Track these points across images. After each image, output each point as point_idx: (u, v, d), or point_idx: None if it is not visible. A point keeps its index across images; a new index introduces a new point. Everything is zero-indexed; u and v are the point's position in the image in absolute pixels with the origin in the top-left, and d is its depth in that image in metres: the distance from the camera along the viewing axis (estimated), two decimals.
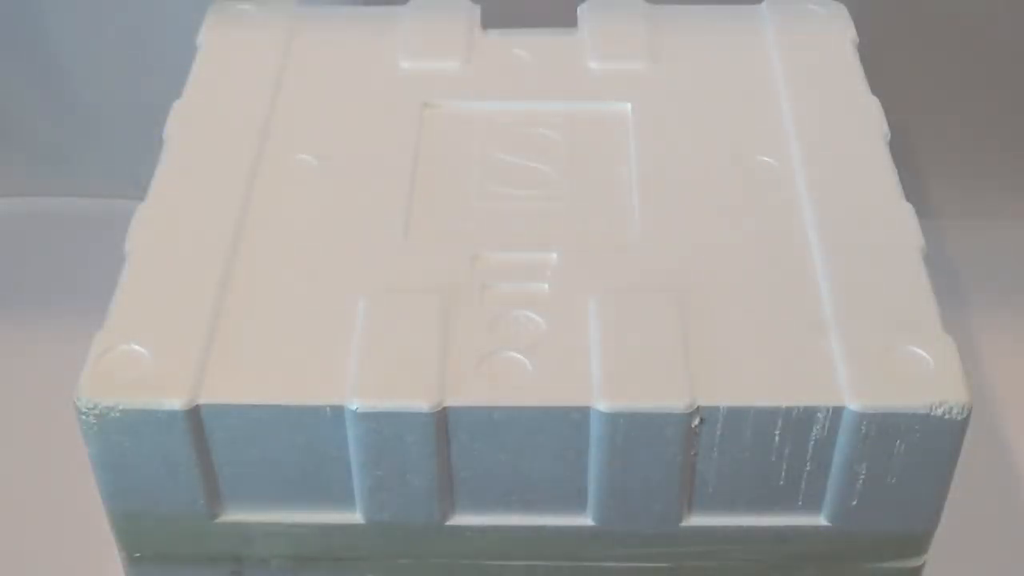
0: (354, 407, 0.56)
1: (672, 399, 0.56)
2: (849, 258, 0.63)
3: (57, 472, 0.84)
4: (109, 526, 0.61)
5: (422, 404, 0.56)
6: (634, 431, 0.56)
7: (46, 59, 0.99)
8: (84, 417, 0.56)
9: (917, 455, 0.57)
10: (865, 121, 0.71)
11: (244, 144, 0.70)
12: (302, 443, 0.58)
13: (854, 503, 0.59)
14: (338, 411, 0.56)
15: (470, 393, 0.57)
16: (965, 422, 0.56)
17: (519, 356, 0.58)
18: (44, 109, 1.02)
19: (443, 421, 0.56)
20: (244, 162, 0.68)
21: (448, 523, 0.61)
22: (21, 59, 1.00)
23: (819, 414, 0.56)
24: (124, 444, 0.57)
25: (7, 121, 1.03)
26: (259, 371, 0.57)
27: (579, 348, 0.58)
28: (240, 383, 0.57)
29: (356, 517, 0.61)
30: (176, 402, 0.56)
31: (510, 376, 0.57)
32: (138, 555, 0.62)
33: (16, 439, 0.86)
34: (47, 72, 1.00)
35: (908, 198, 0.67)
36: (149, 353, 0.58)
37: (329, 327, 0.60)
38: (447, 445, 0.57)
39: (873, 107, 0.72)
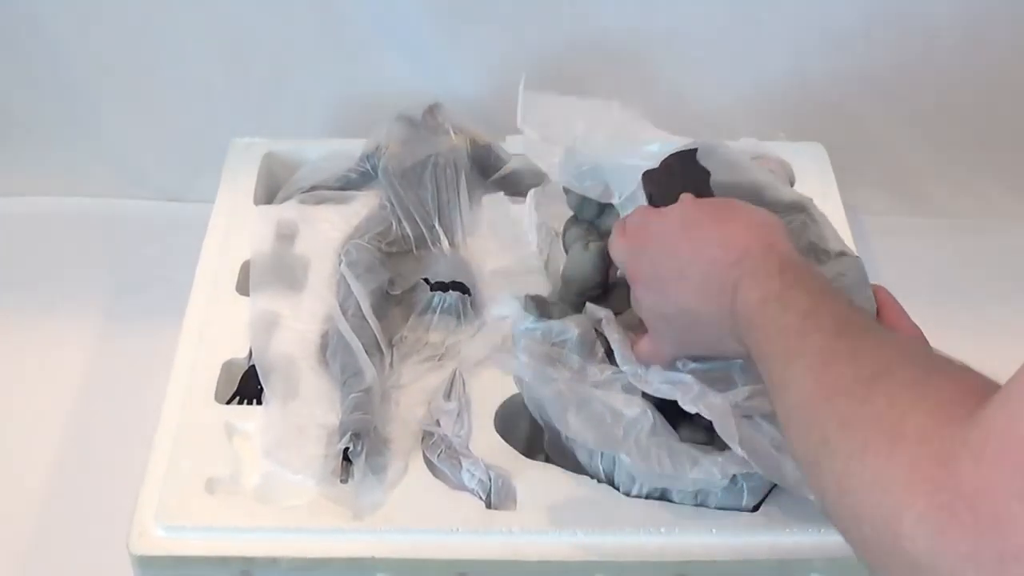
0: None
1: None
2: None
3: (57, 471, 0.84)
4: None
5: None
6: None
7: (46, 59, 0.99)
8: None
9: None
10: None
11: None
12: None
13: None
14: None
15: None
16: None
17: None
18: (44, 109, 1.02)
19: None
20: None
21: None
22: (21, 59, 0.99)
23: None
24: None
25: (7, 121, 1.03)
26: None
27: None
28: None
29: None
30: None
31: None
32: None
33: (16, 439, 0.86)
34: (47, 72, 0.99)
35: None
36: None
37: None
38: None
39: None
